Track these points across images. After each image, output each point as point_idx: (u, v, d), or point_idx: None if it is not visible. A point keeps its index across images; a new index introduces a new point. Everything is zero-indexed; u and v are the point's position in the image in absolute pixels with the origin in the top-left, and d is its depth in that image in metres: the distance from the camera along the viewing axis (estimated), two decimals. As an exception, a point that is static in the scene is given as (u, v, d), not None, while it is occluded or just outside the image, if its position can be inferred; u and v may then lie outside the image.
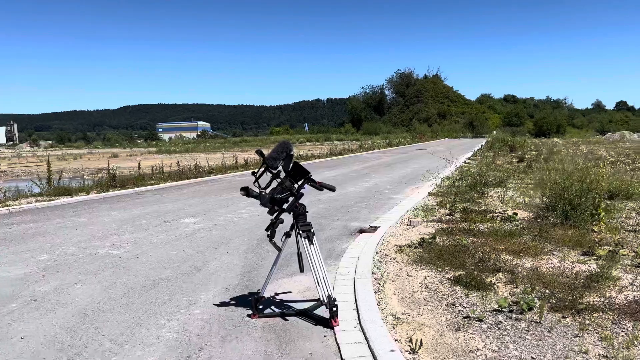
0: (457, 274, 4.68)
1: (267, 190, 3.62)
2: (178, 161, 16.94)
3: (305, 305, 3.97)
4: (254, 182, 3.64)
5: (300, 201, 3.70)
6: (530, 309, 3.73)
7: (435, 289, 4.33)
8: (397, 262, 5.31)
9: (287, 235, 3.76)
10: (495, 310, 3.80)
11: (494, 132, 64.55)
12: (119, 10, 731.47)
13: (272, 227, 3.67)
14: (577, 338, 3.28)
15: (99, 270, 5.19)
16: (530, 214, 7.80)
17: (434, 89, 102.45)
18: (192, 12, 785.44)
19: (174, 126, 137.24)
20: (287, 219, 3.71)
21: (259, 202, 3.62)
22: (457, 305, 3.93)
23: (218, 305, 4.08)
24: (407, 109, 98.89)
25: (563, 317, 3.64)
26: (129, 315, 3.90)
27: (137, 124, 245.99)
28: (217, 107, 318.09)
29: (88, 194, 11.66)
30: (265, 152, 3.70)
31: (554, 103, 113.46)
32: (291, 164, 3.68)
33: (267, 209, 3.66)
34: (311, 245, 3.66)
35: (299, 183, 3.68)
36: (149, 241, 6.56)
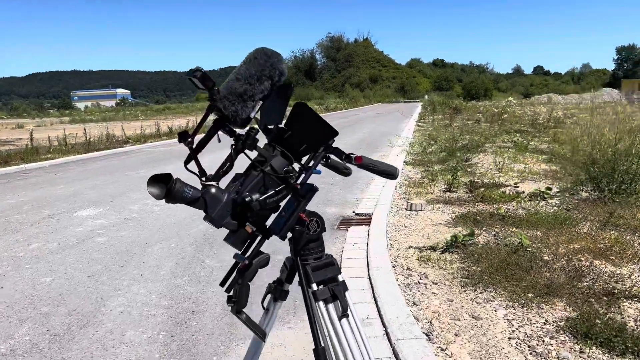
0: (563, 313, 2.63)
1: (223, 184, 1.28)
2: (85, 129, 13.82)
3: None
4: (187, 163, 1.27)
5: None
6: None
7: (558, 359, 2.24)
8: (434, 284, 3.18)
9: (277, 294, 1.46)
10: None
11: (425, 96, 64.25)
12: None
13: (240, 279, 1.31)
14: None
15: None
16: (550, 187, 5.97)
17: (365, 53, 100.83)
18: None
19: (91, 94, 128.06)
20: (271, 245, 1.42)
21: (203, 212, 1.27)
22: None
23: None
24: (339, 73, 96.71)
25: None
26: None
27: (49, 92, 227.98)
28: (138, 74, 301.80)
29: (-48, 175, 8.63)
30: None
31: (479, 68, 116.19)
32: (288, 111, 1.36)
33: (224, 229, 1.32)
34: (344, 321, 1.40)
35: (304, 162, 1.36)
36: (10, 256, 4.02)
